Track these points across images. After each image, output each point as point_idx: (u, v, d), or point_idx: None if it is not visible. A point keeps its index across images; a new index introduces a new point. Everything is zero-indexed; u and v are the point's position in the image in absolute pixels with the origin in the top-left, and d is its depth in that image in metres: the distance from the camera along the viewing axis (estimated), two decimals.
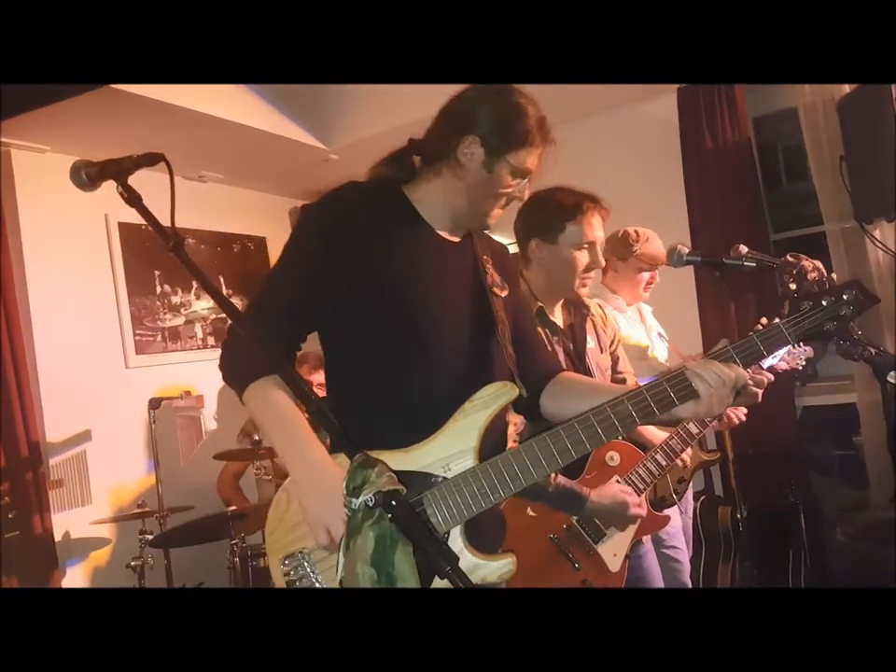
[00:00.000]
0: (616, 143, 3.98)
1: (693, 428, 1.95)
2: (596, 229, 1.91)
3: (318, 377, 3.13)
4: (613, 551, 1.89)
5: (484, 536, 1.22)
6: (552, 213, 1.90)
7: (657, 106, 3.79)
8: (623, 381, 2.20)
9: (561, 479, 1.78)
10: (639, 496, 1.91)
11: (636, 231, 2.68)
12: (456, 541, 1.16)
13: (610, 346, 2.20)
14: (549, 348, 1.88)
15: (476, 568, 1.15)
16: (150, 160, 1.12)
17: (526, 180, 1.29)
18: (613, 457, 1.95)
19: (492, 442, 1.20)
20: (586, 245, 1.90)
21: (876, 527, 1.68)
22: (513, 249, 1.92)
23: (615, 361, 2.21)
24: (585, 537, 1.87)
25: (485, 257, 1.38)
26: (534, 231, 1.94)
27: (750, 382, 1.89)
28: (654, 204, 3.66)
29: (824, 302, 1.19)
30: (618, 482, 1.90)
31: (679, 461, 2.17)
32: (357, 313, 1.22)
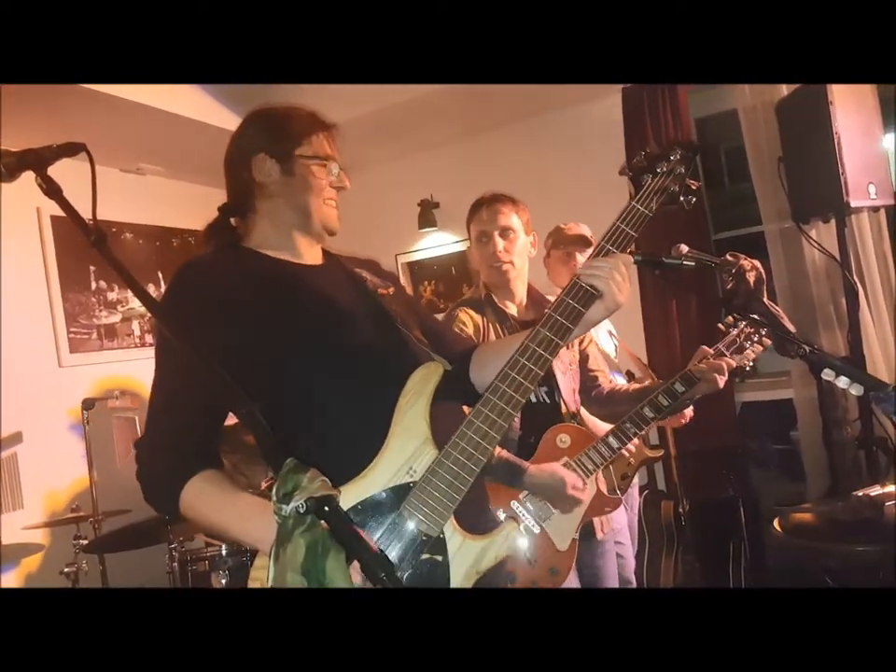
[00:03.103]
0: (562, 142, 4.02)
1: (648, 413, 1.96)
2: (488, 222, 2.11)
3: None
4: (561, 529, 1.91)
5: (475, 518, 1.19)
6: (469, 214, 2.20)
7: (602, 107, 3.83)
8: (595, 378, 2.25)
9: (503, 452, 1.82)
10: (588, 477, 1.93)
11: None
12: (454, 537, 1.11)
13: (580, 344, 2.24)
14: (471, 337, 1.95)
15: (484, 552, 1.12)
16: (71, 149, 1.06)
17: (337, 167, 1.32)
18: (563, 439, 1.98)
19: (445, 428, 1.16)
20: (484, 238, 2.11)
21: (809, 523, 1.73)
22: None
23: (585, 358, 2.25)
24: (532, 513, 1.90)
25: (357, 269, 1.39)
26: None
27: (705, 367, 1.93)
28: (597, 203, 3.68)
29: (658, 169, 1.24)
30: (566, 464, 1.92)
31: (626, 452, 2.19)
32: (262, 383, 1.14)
